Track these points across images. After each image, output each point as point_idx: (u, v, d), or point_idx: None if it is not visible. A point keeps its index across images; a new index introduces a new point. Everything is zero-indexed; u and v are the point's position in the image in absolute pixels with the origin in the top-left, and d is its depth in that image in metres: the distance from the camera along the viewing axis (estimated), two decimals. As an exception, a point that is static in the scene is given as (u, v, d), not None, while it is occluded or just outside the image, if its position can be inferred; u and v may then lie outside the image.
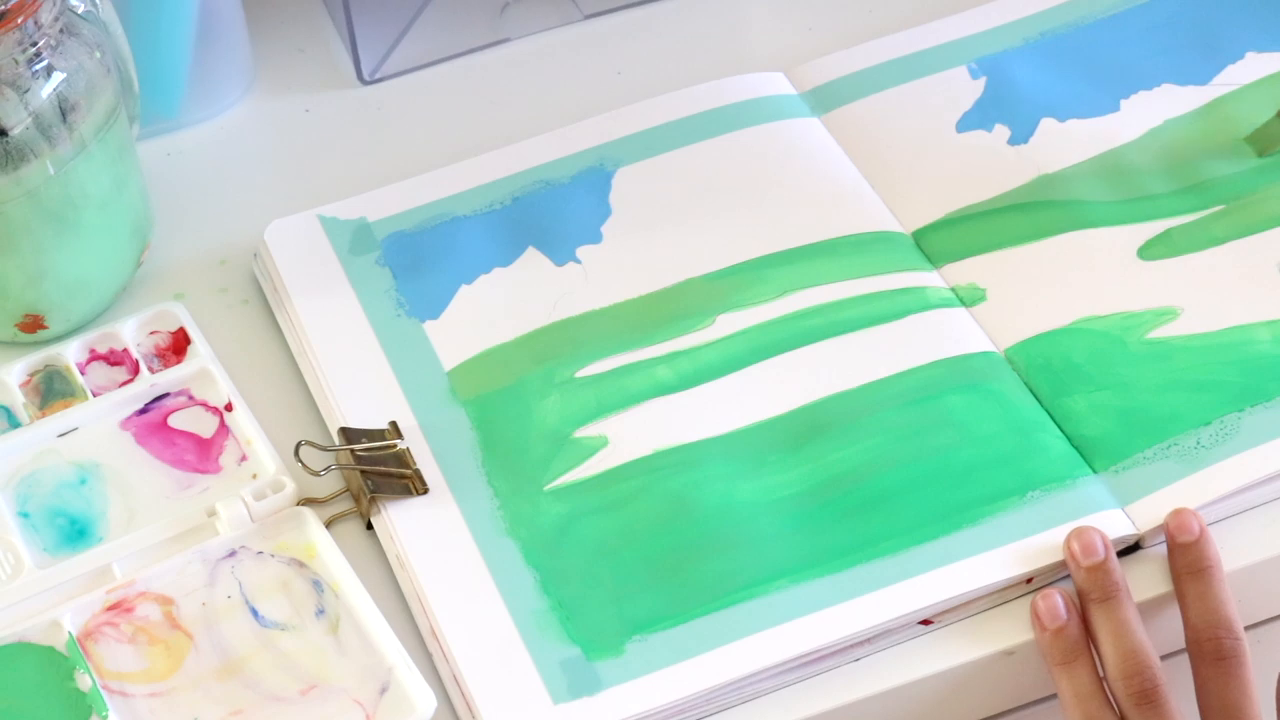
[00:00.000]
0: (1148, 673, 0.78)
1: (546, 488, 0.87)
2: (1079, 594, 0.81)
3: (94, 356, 0.94)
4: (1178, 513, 0.81)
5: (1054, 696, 0.83)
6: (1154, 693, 0.77)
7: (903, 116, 1.01)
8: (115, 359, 0.94)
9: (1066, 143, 0.98)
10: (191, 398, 0.92)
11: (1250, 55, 1.01)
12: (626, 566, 0.84)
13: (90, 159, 0.91)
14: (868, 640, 0.81)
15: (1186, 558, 0.81)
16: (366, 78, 1.07)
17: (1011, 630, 0.82)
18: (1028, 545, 0.82)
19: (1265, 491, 0.85)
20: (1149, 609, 0.82)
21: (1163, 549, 0.83)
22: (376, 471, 0.87)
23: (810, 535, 0.84)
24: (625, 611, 0.82)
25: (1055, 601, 0.80)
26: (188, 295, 0.97)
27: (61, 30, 0.89)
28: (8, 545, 0.87)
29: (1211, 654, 0.79)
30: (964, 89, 1.01)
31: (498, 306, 0.94)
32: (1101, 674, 0.79)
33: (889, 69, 1.03)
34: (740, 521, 0.85)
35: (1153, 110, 0.99)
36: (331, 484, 0.89)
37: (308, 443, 0.87)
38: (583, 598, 0.83)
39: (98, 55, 0.91)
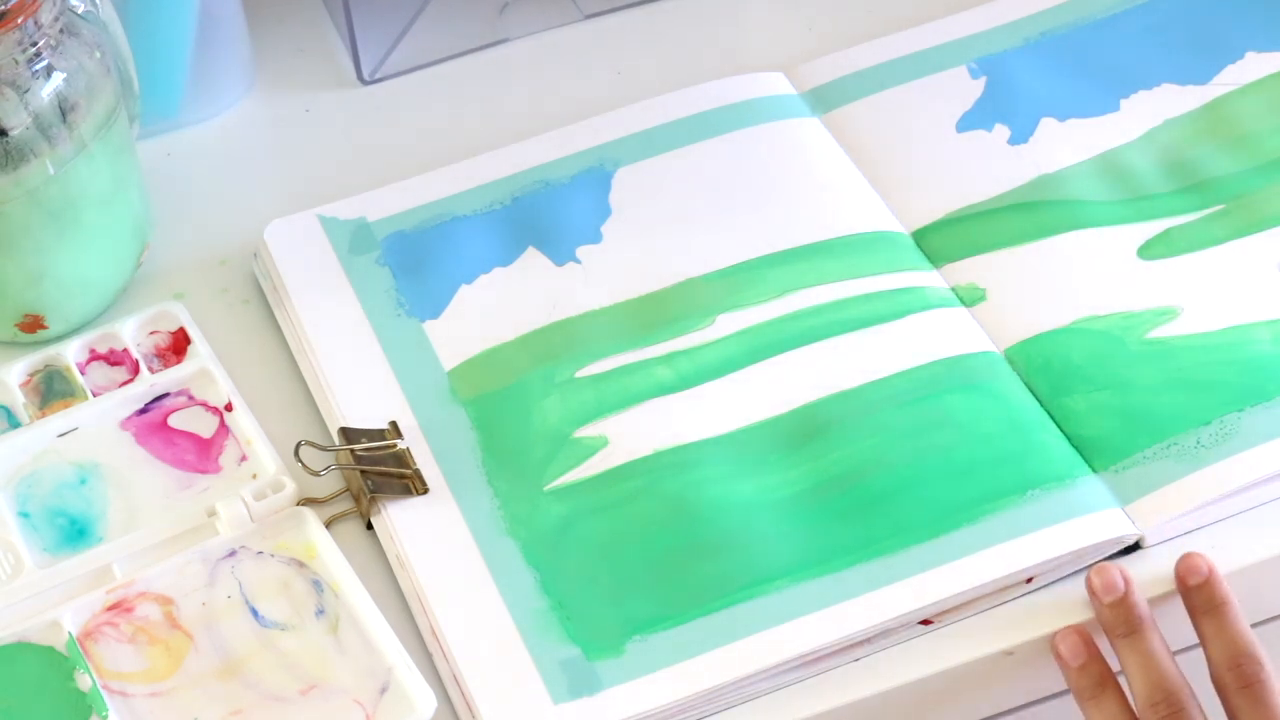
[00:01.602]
0: (1175, 698, 0.78)
1: (546, 488, 0.87)
2: (1104, 629, 0.81)
3: (94, 356, 0.94)
4: (1186, 557, 0.82)
5: (1054, 696, 0.83)
6: (1183, 715, 0.77)
7: (903, 116, 1.01)
8: (115, 359, 0.94)
9: (1066, 142, 0.98)
10: (191, 398, 0.92)
11: (1250, 55, 1.01)
12: (626, 566, 0.84)
13: (90, 159, 0.91)
14: (867, 640, 0.81)
15: (1200, 598, 0.81)
16: (366, 78, 1.07)
17: (1011, 630, 0.82)
18: (1027, 544, 0.82)
19: (1265, 491, 0.85)
20: (1150, 608, 0.82)
21: (1163, 547, 0.83)
22: (376, 471, 0.87)
23: (810, 535, 0.84)
24: (625, 611, 0.82)
25: (1075, 640, 0.81)
26: (188, 295, 0.97)
27: (61, 30, 0.89)
28: (8, 545, 0.87)
29: (1236, 683, 0.78)
30: (964, 89, 1.01)
31: (498, 306, 0.94)
32: (1132, 703, 0.79)
33: (889, 69, 1.03)
34: (740, 521, 0.85)
35: (1152, 110, 0.99)
36: (331, 484, 0.88)
37: (308, 443, 0.87)
38: (583, 598, 0.83)
39: (97, 55, 0.91)
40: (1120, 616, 0.80)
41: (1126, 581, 0.81)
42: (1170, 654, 0.80)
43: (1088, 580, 0.81)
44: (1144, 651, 0.79)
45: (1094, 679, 0.80)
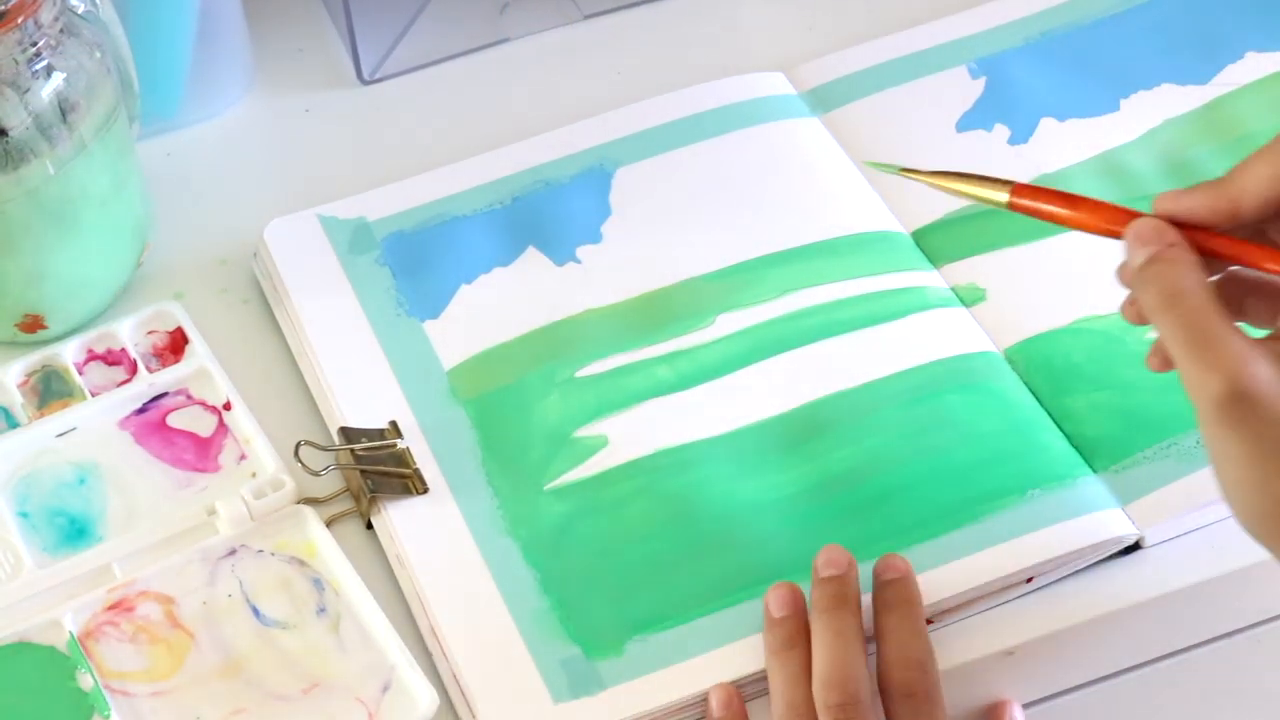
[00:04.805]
0: (849, 685, 0.77)
1: (546, 487, 0.87)
2: (812, 602, 0.80)
3: (92, 356, 0.94)
4: (887, 557, 0.80)
5: (1054, 696, 0.83)
6: (851, 708, 0.76)
7: (903, 116, 1.01)
8: (113, 359, 0.94)
9: (1066, 142, 0.98)
10: (190, 397, 0.92)
11: (1250, 55, 1.01)
12: (627, 566, 0.84)
13: (90, 159, 0.91)
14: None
15: (889, 593, 0.80)
16: (366, 78, 1.07)
17: (1011, 630, 0.82)
18: (1028, 544, 0.82)
19: (1265, 491, 0.85)
20: (1149, 609, 0.82)
21: (1163, 548, 0.83)
22: (376, 471, 0.87)
23: (810, 535, 0.84)
24: (625, 611, 0.82)
25: (785, 594, 0.80)
26: (187, 295, 0.97)
27: (61, 30, 0.89)
28: (7, 545, 0.87)
29: (901, 689, 0.77)
30: (964, 89, 1.01)
31: (498, 306, 0.94)
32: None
33: (889, 69, 1.03)
34: (740, 521, 0.85)
35: (1152, 110, 0.99)
36: (331, 484, 0.88)
37: (308, 442, 0.87)
38: (583, 597, 0.83)
39: (97, 55, 0.91)
40: (828, 591, 0.79)
41: (850, 565, 0.80)
42: (863, 642, 0.78)
43: (815, 560, 0.80)
44: (836, 629, 0.78)
45: (787, 634, 0.79)
